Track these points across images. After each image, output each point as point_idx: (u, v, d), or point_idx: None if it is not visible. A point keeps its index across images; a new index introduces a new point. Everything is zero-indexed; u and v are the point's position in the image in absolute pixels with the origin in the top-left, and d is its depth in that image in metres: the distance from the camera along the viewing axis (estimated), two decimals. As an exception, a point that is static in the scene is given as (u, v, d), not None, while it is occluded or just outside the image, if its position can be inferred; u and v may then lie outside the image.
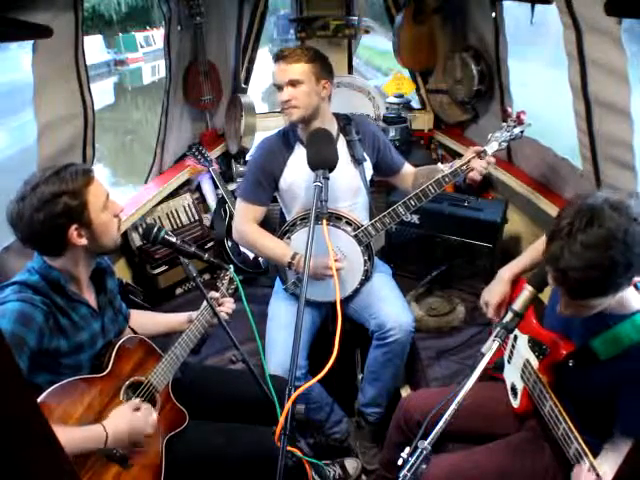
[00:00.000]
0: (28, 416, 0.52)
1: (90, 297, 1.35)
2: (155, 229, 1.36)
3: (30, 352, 1.12)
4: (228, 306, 1.53)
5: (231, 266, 1.47)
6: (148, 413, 1.27)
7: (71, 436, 1.10)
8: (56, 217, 1.17)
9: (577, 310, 1.13)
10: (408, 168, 2.01)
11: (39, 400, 1.11)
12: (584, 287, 1.04)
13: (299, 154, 1.81)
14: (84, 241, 1.23)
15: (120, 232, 1.35)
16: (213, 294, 1.52)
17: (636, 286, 1.17)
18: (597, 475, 1.08)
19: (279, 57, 1.71)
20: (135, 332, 1.46)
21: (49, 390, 1.13)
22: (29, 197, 1.16)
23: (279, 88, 1.72)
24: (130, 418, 1.22)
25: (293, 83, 1.70)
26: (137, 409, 1.25)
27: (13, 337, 1.09)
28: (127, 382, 1.31)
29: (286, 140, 1.86)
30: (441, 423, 1.03)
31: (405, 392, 2.09)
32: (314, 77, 1.71)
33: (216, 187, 2.75)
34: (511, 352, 1.44)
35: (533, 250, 1.54)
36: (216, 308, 1.41)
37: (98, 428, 1.16)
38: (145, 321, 1.57)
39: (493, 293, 1.53)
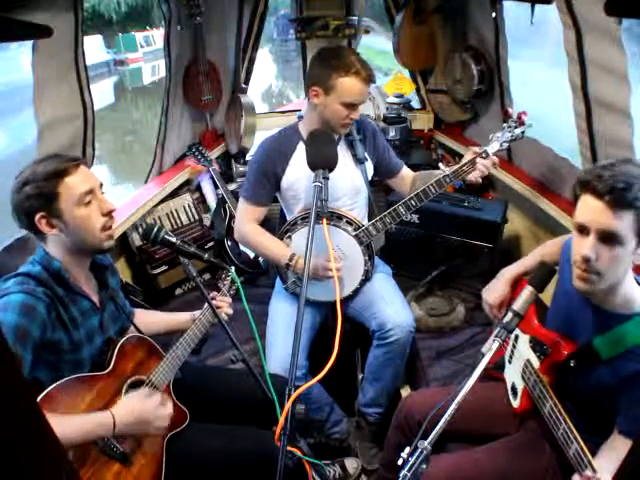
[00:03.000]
0: (27, 414, 0.52)
1: (91, 291, 1.35)
2: (155, 229, 1.35)
3: (34, 344, 1.13)
4: (227, 307, 1.53)
5: (232, 267, 1.47)
6: (160, 402, 1.29)
7: (79, 423, 1.11)
8: (25, 201, 1.21)
9: (606, 248, 1.07)
10: (407, 171, 2.02)
11: (40, 398, 1.11)
12: (630, 188, 1.03)
13: (301, 153, 1.81)
14: (55, 231, 1.24)
15: (110, 232, 1.32)
16: (214, 294, 1.53)
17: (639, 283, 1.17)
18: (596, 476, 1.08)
19: (370, 79, 1.71)
20: (139, 331, 1.46)
21: (50, 388, 1.14)
22: (15, 180, 1.24)
23: (353, 106, 1.72)
24: (138, 405, 1.24)
25: None
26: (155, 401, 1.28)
27: (18, 329, 1.10)
28: (129, 381, 1.31)
29: (288, 139, 1.86)
30: (441, 423, 1.03)
31: (405, 392, 2.09)
32: None
33: (216, 187, 2.75)
34: (512, 352, 1.44)
35: (537, 253, 1.53)
36: (216, 309, 1.40)
37: (106, 414, 1.17)
38: (148, 320, 1.57)
39: (492, 292, 1.53)
